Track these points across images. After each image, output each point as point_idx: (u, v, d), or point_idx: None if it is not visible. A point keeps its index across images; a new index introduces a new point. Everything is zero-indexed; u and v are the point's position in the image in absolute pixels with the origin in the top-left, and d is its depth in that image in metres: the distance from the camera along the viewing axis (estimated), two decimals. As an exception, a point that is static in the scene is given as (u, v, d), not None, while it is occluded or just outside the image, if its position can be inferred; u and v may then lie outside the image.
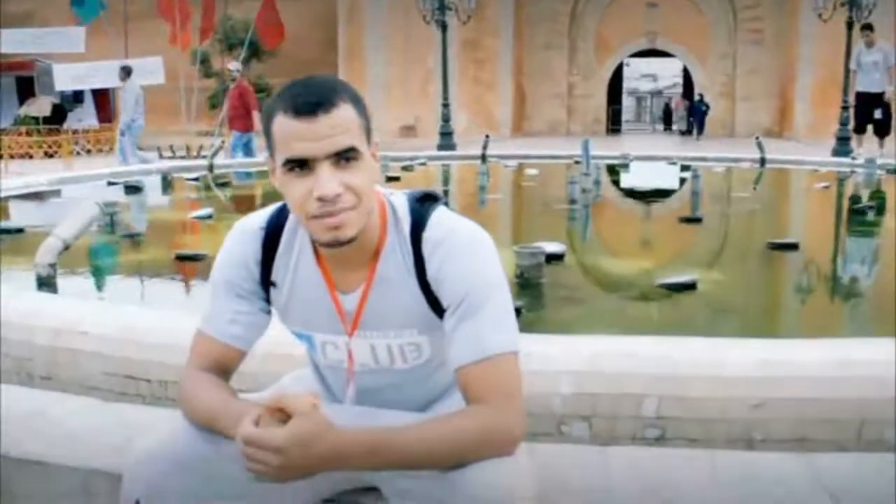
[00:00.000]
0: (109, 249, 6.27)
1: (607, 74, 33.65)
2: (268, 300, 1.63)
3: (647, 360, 2.46)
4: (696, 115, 31.93)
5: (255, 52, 28.66)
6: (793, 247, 5.78)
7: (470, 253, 1.50)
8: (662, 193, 11.17)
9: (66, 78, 23.25)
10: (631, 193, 11.19)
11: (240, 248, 1.61)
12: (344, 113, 1.42)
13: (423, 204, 1.57)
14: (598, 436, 2.40)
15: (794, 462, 2.04)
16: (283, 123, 1.42)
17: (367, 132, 1.48)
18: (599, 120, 33.78)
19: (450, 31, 20.79)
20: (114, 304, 3.53)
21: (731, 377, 2.38)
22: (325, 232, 1.44)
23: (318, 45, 34.37)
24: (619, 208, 9.65)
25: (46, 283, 4.49)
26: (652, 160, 14.67)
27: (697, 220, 7.53)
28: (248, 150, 14.26)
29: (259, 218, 1.63)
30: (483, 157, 12.95)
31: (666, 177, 12.69)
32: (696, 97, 32.41)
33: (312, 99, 1.41)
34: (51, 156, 22.23)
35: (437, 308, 1.53)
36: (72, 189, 10.23)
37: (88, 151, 23.61)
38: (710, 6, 31.64)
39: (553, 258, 5.17)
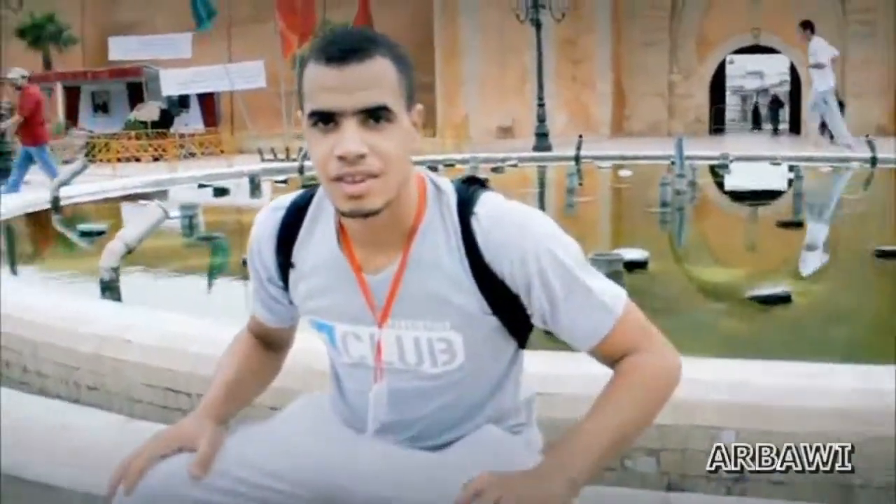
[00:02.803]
0: (181, 252, 6.32)
1: (709, 72, 32.51)
2: (286, 283, 1.48)
3: (723, 386, 2.25)
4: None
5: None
6: (903, 254, 5.30)
7: (539, 226, 1.35)
8: (764, 195, 10.69)
9: (172, 83, 24.17)
10: (729, 195, 10.72)
11: (256, 228, 1.49)
12: (379, 66, 1.27)
13: (469, 185, 1.41)
14: (667, 473, 2.21)
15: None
16: (312, 70, 1.28)
17: (408, 95, 1.32)
18: (701, 119, 32.62)
19: (546, 30, 20.54)
20: (161, 311, 3.45)
21: (824, 408, 2.13)
22: (346, 200, 1.27)
23: (414, 45, 34.53)
24: (715, 211, 9.29)
25: (109, 288, 4.50)
26: (754, 160, 14.09)
27: (798, 225, 7.11)
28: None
29: (289, 196, 1.49)
30: (577, 158, 12.65)
31: (768, 178, 12.14)
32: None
33: (346, 46, 1.26)
34: (157, 159, 23.01)
35: (494, 293, 1.36)
36: (170, 191, 10.51)
37: (193, 154, 24.34)
38: (816, -1, 30.34)
39: (635, 266, 4.94)
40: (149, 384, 2.98)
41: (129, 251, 4.65)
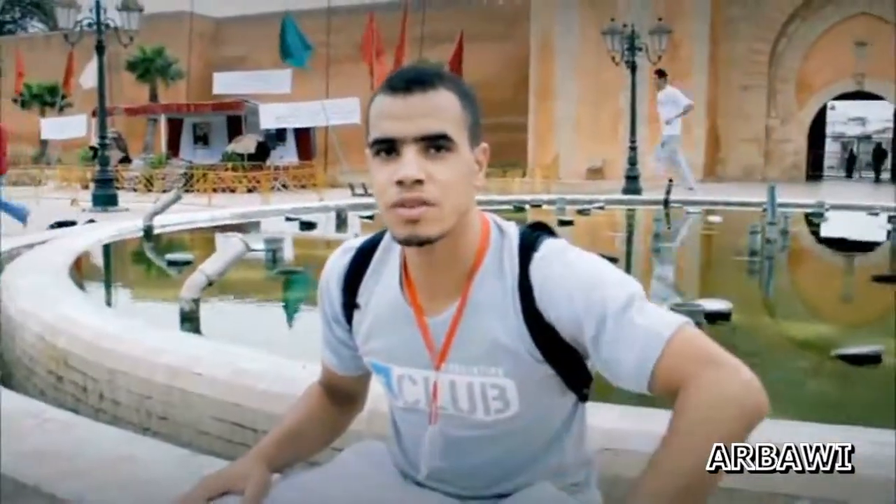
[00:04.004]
0: (262, 285, 6.43)
1: (808, 118, 31.69)
2: (351, 325, 1.49)
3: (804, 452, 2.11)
4: None
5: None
6: None
7: (593, 268, 1.31)
8: (860, 247, 10.30)
9: (270, 117, 24.94)
10: (824, 245, 10.35)
11: (326, 271, 1.51)
12: (442, 97, 1.29)
13: (534, 230, 1.40)
14: None
15: None
16: (378, 101, 1.32)
17: (472, 131, 1.33)
18: (798, 166, 31.82)
19: (642, 73, 20.40)
20: (233, 345, 3.50)
21: None
22: (402, 226, 1.28)
23: (510, 85, 34.89)
24: (806, 262, 8.97)
25: (189, 319, 4.61)
26: (851, 209, 13.58)
27: (893, 280, 6.76)
28: None
29: (361, 238, 1.52)
30: (666, 203, 12.43)
31: (866, 228, 11.70)
32: None
33: (410, 77, 1.30)
34: (251, 190, 23.63)
35: (548, 342, 1.33)
36: (262, 223, 10.74)
37: (286, 187, 24.91)
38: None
39: (717, 317, 4.78)
40: (216, 417, 3.01)
41: (210, 283, 4.74)
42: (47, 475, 2.16)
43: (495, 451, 1.41)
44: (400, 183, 1.26)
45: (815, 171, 33.42)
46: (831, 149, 45.03)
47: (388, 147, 1.28)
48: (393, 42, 26.57)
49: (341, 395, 1.58)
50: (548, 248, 1.35)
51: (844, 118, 53.39)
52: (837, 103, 36.72)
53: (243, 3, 44.77)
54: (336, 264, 1.50)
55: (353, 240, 1.52)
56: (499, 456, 1.42)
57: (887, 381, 3.89)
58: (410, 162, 1.26)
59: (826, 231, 11.61)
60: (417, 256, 1.36)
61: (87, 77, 27.06)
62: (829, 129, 38.98)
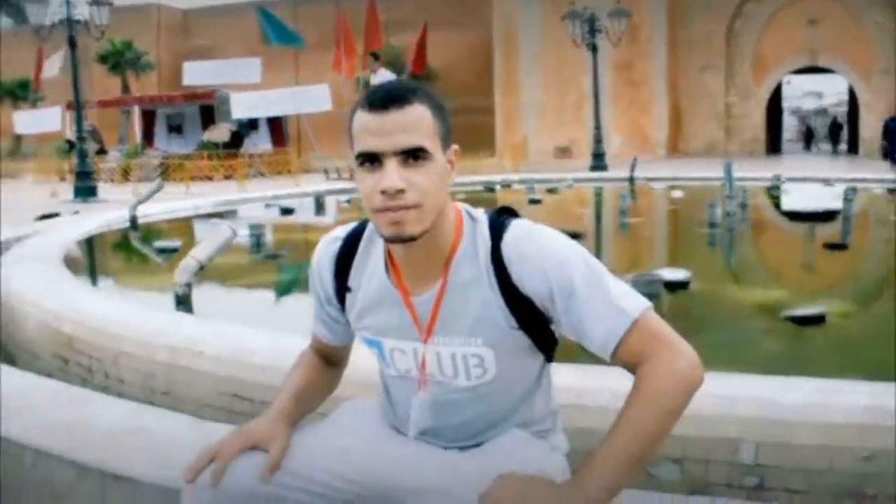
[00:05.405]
0: (248, 269, 6.65)
1: (766, 94, 32.17)
2: (344, 305, 1.66)
3: (744, 401, 2.33)
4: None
5: (414, 77, 29.61)
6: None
7: (560, 244, 1.49)
8: (814, 217, 10.61)
9: (241, 107, 24.91)
10: (784, 217, 10.67)
11: (317, 257, 1.67)
12: (416, 112, 1.43)
13: (502, 215, 1.57)
14: (690, 480, 2.29)
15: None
16: (359, 117, 1.45)
17: (444, 137, 1.48)
18: (758, 140, 32.25)
19: (603, 54, 20.70)
20: (229, 324, 3.71)
21: (840, 424, 2.21)
22: (388, 227, 1.44)
23: (474, 71, 35.03)
24: (763, 233, 9.22)
25: (182, 302, 4.84)
26: (808, 182, 13.93)
27: (843, 247, 7.12)
28: None
29: (344, 227, 1.67)
30: (631, 179, 12.73)
31: (823, 199, 11.94)
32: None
33: (387, 95, 1.43)
34: (228, 178, 23.69)
35: (522, 311, 1.51)
36: (240, 210, 10.85)
37: (262, 174, 24.99)
38: (872, 20, 29.75)
39: (676, 286, 5.04)
40: (218, 391, 3.24)
41: (201, 268, 4.96)
42: (68, 444, 2.28)
43: (477, 408, 1.59)
44: (384, 192, 1.41)
45: (774, 144, 33.70)
46: (789, 123, 45.26)
47: (371, 159, 1.43)
48: (359, 30, 26.62)
49: (331, 358, 1.77)
50: (515, 228, 1.51)
51: (800, 92, 53.35)
52: (793, 77, 37.05)
53: (209, -8, 44.42)
54: (326, 251, 1.65)
55: (338, 229, 1.68)
56: (480, 413, 1.59)
57: (830, 338, 4.18)
58: (392, 173, 1.41)
59: (786, 203, 11.89)
60: (401, 249, 1.51)
61: (51, 67, 26.91)
62: (786, 104, 39.28)
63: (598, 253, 7.61)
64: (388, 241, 1.49)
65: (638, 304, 1.45)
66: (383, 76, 12.91)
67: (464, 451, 1.60)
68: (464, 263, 1.52)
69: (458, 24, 35.71)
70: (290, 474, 1.52)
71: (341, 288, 1.63)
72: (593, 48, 19.30)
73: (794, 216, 10.60)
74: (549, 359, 1.62)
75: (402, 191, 1.40)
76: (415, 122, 1.42)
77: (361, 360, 1.80)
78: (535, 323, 1.52)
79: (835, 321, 4.33)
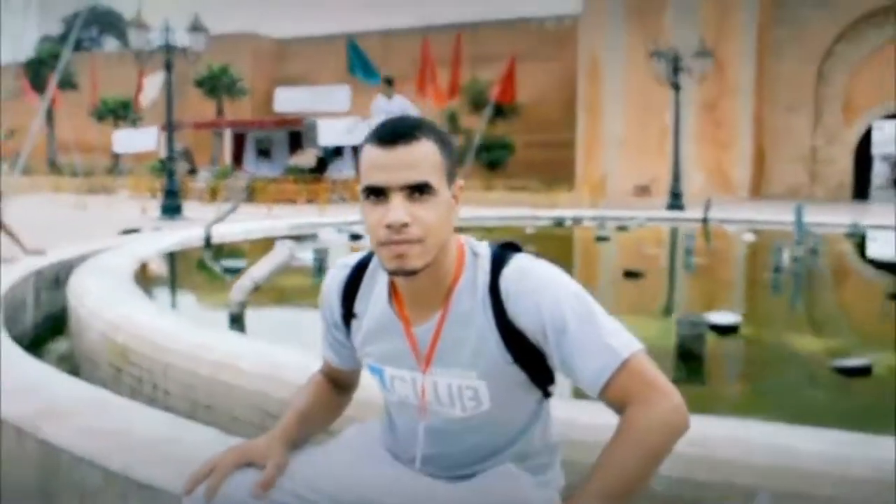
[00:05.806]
0: (307, 291, 6.79)
1: (854, 138, 31.27)
2: (350, 330, 1.69)
3: (761, 447, 2.31)
4: None
5: (498, 111, 29.86)
6: None
7: (556, 280, 1.50)
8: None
9: (328, 134, 25.47)
10: (860, 265, 10.32)
11: (326, 282, 1.71)
12: (423, 148, 1.45)
13: (504, 249, 1.59)
14: None
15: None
16: (367, 151, 1.48)
17: (449, 173, 1.50)
18: (844, 185, 31.29)
19: (688, 91, 20.51)
20: (265, 343, 3.84)
21: (860, 479, 2.17)
22: (391, 260, 1.46)
23: (558, 104, 35.10)
24: (831, 281, 8.96)
25: (236, 321, 5.00)
26: (890, 229, 13.40)
27: (909, 297, 6.88)
28: None
29: (355, 255, 1.70)
30: (704, 220, 12.53)
31: (903, 248, 11.62)
32: None
33: (395, 130, 1.46)
34: (311, 202, 24.27)
35: (517, 346, 1.53)
36: (312, 235, 11.08)
37: (344, 199, 25.51)
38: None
39: (725, 330, 4.98)
40: (252, 406, 3.34)
41: (256, 288, 5.10)
42: (100, 449, 2.39)
43: (473, 439, 1.61)
44: (389, 226, 1.43)
45: (862, 191, 32.54)
46: (879, 168, 43.59)
47: (377, 193, 1.45)
48: (447, 62, 26.96)
49: (339, 382, 1.81)
50: (515, 262, 1.53)
51: (892, 138, 51.58)
52: (886, 123, 35.92)
53: (304, 24, 45.69)
54: (335, 277, 1.68)
55: (348, 257, 1.71)
56: (476, 443, 1.61)
57: (874, 390, 4.07)
58: (397, 207, 1.43)
59: (871, 251, 11.51)
60: (404, 280, 1.52)
61: (150, 89, 27.97)
62: (875, 150, 38.00)
63: (655, 292, 7.77)
64: (391, 273, 1.52)
65: (629, 344, 1.46)
66: (399, 104, 13.28)
67: (458, 480, 1.63)
68: (463, 296, 1.55)
69: (544, 57, 35.91)
70: (284, 492, 1.56)
71: (348, 314, 1.67)
72: (676, 87, 19.14)
73: (879, 265, 10.22)
74: (547, 395, 1.64)
75: (406, 225, 1.43)
76: (421, 158, 1.45)
77: (367, 378, 1.81)
78: (530, 358, 1.54)
79: (881, 373, 4.20)
